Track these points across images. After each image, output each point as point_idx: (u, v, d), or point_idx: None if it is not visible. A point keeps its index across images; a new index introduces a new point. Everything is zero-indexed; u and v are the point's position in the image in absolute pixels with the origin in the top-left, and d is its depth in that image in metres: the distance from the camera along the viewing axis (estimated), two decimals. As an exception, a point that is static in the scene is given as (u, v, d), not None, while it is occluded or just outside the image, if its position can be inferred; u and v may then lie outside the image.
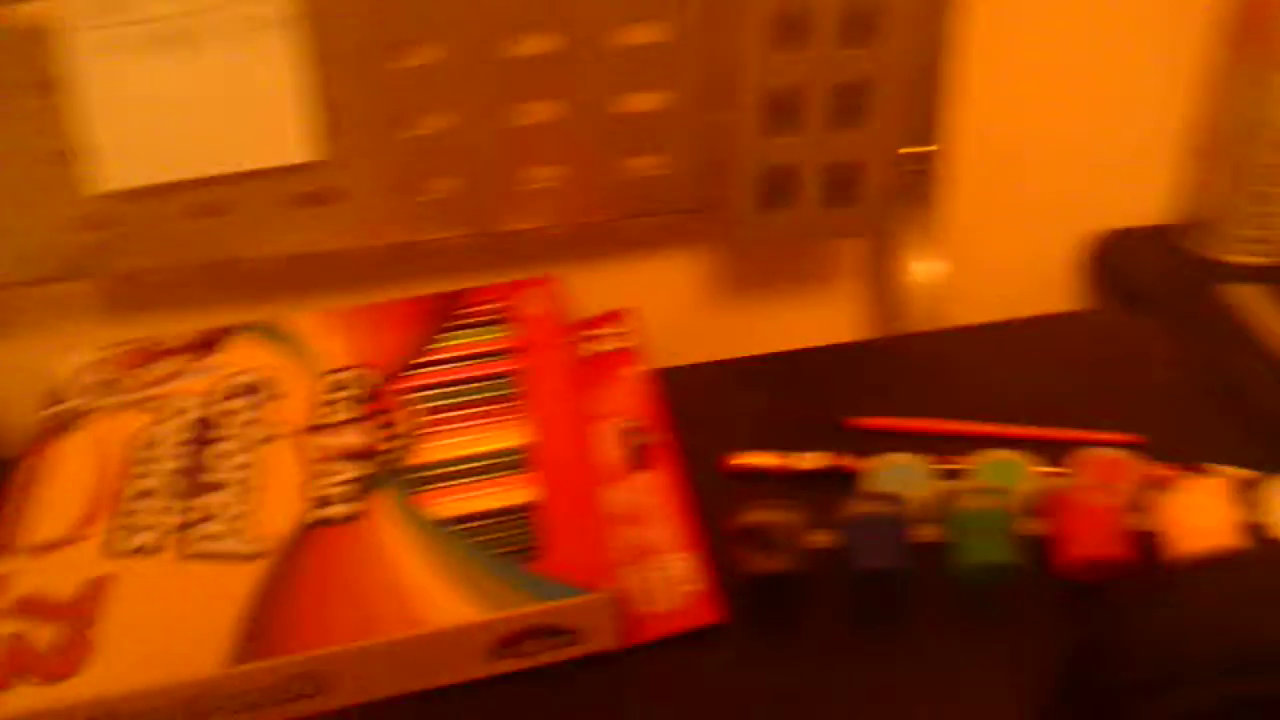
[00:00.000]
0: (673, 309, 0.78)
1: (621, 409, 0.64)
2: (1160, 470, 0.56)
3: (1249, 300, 0.64)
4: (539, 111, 0.65)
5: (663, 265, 0.78)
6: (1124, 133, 0.79)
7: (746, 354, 0.69)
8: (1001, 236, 0.80)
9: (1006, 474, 0.57)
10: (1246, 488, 0.53)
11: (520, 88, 0.64)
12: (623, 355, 0.68)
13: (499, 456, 0.57)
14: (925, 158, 0.71)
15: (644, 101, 0.65)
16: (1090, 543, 0.52)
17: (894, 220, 0.73)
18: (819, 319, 0.80)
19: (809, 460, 0.60)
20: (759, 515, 0.53)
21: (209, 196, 0.66)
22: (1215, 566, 0.41)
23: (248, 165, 0.65)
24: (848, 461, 0.60)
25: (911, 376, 0.67)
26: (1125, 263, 0.79)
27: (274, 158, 0.64)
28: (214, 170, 0.65)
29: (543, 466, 0.56)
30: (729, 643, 0.53)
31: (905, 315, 0.72)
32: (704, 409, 0.65)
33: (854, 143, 0.63)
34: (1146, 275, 0.76)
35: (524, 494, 0.55)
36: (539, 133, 0.65)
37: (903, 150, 0.70)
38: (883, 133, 0.63)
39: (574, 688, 0.51)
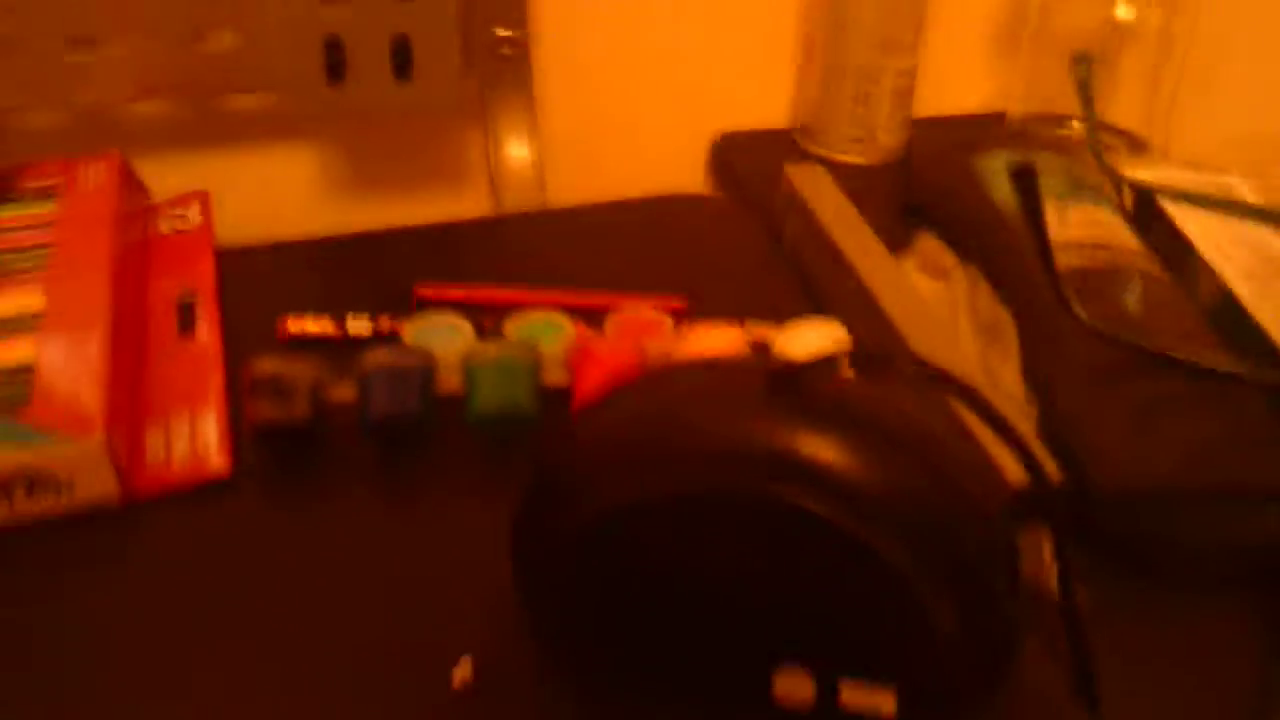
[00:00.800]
0: (281, 193, 0.77)
1: (181, 282, 0.63)
2: (694, 327, 0.58)
3: (808, 180, 0.66)
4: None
5: (273, 149, 0.76)
6: (738, 37, 0.81)
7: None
8: (609, 130, 0.81)
9: (542, 332, 0.57)
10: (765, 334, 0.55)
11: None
12: (195, 234, 0.66)
13: (12, 319, 0.55)
14: (518, 42, 0.71)
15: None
16: (600, 390, 0.52)
17: (491, 104, 0.73)
18: (433, 206, 0.80)
19: (357, 325, 0.60)
20: (270, 365, 0.52)
21: None
22: (639, 385, 0.42)
23: None
24: (396, 325, 0.59)
25: (490, 256, 0.67)
26: (735, 161, 0.80)
27: None
28: None
29: (60, 328, 0.54)
30: (241, 496, 0.52)
31: (503, 198, 0.71)
32: (275, 284, 0.64)
33: (408, 14, 0.62)
34: (750, 172, 0.77)
35: (31, 353, 0.53)
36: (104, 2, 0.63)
37: (500, 33, 0.70)
38: (437, 4, 0.62)
39: (75, 541, 0.50)
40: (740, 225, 0.70)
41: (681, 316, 0.60)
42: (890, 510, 0.37)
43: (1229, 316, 0.57)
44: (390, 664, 0.44)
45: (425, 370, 0.53)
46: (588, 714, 0.43)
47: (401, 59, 0.64)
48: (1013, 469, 0.47)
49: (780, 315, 0.58)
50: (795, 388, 0.39)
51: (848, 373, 0.49)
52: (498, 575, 0.47)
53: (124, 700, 0.43)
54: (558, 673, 0.44)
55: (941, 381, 0.37)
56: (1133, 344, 0.51)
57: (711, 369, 0.41)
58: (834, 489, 0.37)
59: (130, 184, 0.66)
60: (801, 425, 0.38)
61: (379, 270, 0.65)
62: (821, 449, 0.37)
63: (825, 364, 0.38)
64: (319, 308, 0.61)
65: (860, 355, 0.40)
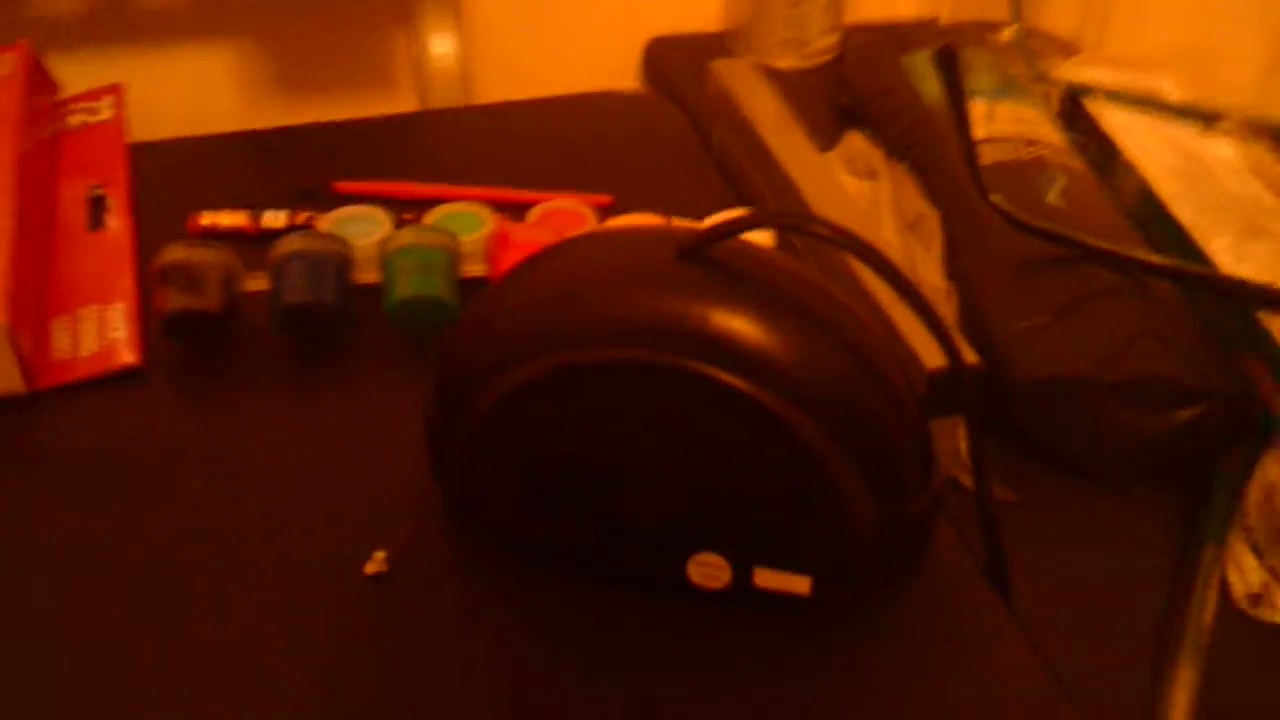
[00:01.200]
0: (201, 92, 0.75)
1: (92, 176, 0.61)
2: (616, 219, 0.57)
3: (736, 76, 0.65)
4: None
5: (192, 47, 0.74)
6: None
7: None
8: (541, 34, 0.79)
9: (461, 223, 0.56)
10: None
11: None
12: (107, 128, 0.64)
13: None
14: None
15: None
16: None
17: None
18: (357, 106, 0.78)
19: (273, 219, 0.58)
20: (178, 253, 0.51)
21: None
22: (542, 258, 0.41)
23: None
24: (311, 219, 0.58)
25: (412, 152, 0.66)
26: (667, 64, 0.79)
27: None
28: None
29: None
30: (150, 388, 0.51)
31: (428, 98, 0.70)
32: (190, 179, 0.63)
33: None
34: (681, 76, 0.76)
35: None
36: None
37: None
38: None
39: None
40: (669, 123, 0.69)
41: (607, 212, 0.59)
42: (804, 385, 0.37)
43: (1151, 214, 0.57)
44: (303, 554, 0.44)
45: (340, 257, 0.52)
46: (501, 601, 0.42)
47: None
48: (930, 357, 0.47)
49: (707, 213, 0.58)
50: (704, 256, 0.38)
51: (766, 242, 0.48)
52: (414, 466, 0.46)
53: (30, 592, 0.42)
54: (472, 559, 0.44)
55: (855, 247, 0.37)
56: (1052, 234, 0.51)
57: (617, 240, 0.40)
58: (745, 360, 0.37)
59: (39, 77, 0.64)
60: (710, 293, 0.37)
61: (297, 166, 0.64)
62: (732, 319, 0.37)
63: (738, 229, 0.38)
64: (235, 203, 0.60)
65: (772, 215, 0.39)
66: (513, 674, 0.40)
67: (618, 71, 0.83)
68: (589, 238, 0.41)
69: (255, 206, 0.59)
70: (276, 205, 0.59)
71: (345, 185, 0.61)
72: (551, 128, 0.68)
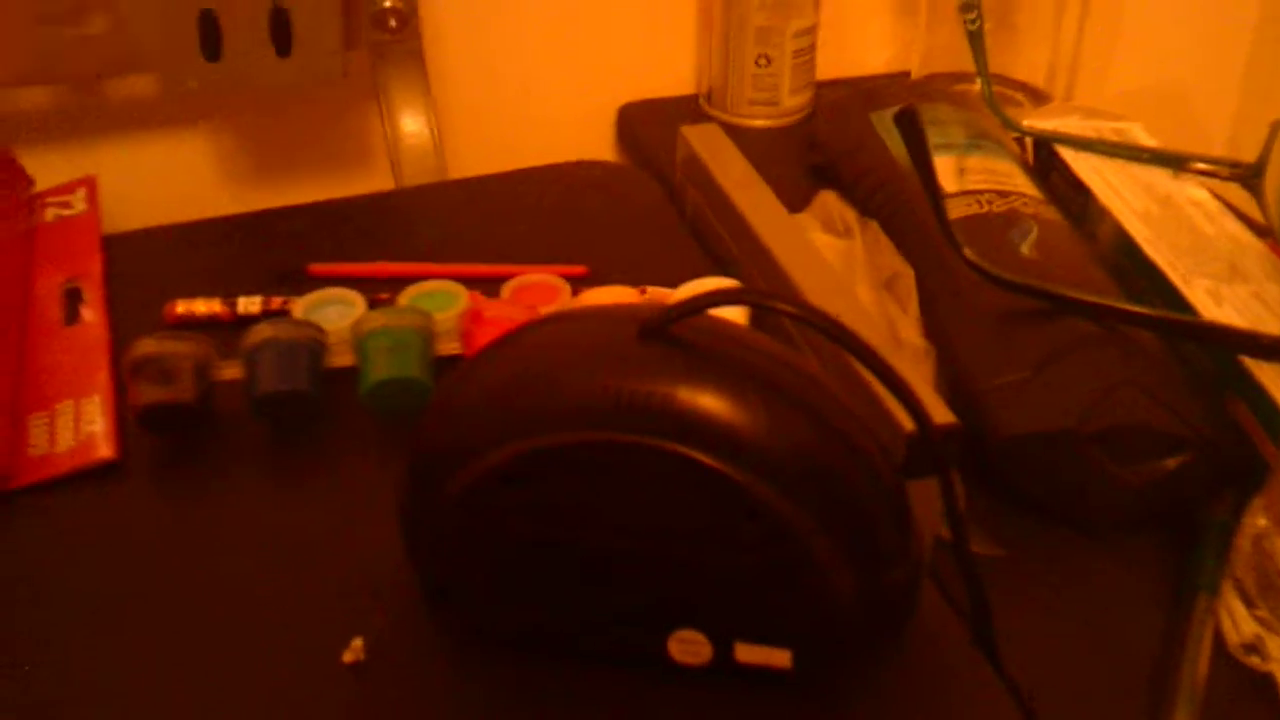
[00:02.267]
0: (174, 181, 0.75)
1: (66, 270, 0.61)
2: (590, 291, 0.57)
3: (705, 139, 0.65)
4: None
5: (163, 136, 0.75)
6: (638, 3, 0.80)
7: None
8: (512, 103, 0.80)
9: (436, 302, 0.56)
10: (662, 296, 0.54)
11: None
12: (81, 221, 0.65)
13: None
14: (403, 13, 0.69)
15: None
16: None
17: (383, 78, 0.71)
18: (333, 188, 0.78)
19: (248, 305, 0.58)
20: (151, 346, 0.51)
21: None
22: (501, 345, 0.41)
23: None
24: (286, 303, 0.58)
25: (387, 231, 0.66)
26: (640, 130, 0.79)
27: None
28: None
29: None
30: (128, 482, 0.50)
31: (403, 175, 0.70)
32: (165, 268, 0.63)
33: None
34: (655, 141, 0.76)
35: None
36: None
37: (384, 3, 0.69)
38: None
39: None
40: (642, 190, 0.69)
41: (581, 283, 0.59)
42: (773, 458, 0.37)
43: (1128, 259, 0.57)
44: (281, 643, 0.43)
45: (314, 343, 0.52)
46: (481, 685, 0.42)
47: (281, 33, 0.62)
48: (908, 420, 0.47)
49: (682, 280, 0.58)
50: (667, 333, 0.38)
51: (734, 318, 0.48)
52: (391, 550, 0.46)
53: (8, 685, 0.41)
54: (451, 645, 0.43)
55: (818, 322, 0.36)
56: (1026, 287, 0.51)
57: (581, 321, 0.40)
58: (712, 436, 0.36)
59: (11, 172, 0.64)
60: (674, 371, 0.37)
61: (272, 250, 0.64)
62: (697, 395, 0.36)
63: (699, 307, 0.37)
64: (211, 290, 0.60)
65: (735, 292, 0.39)
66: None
67: (592, 140, 0.83)
68: (554, 319, 0.41)
69: (231, 292, 0.59)
70: (251, 290, 0.59)
71: (320, 268, 0.61)
72: (526, 199, 0.68)
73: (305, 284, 0.61)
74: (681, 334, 0.38)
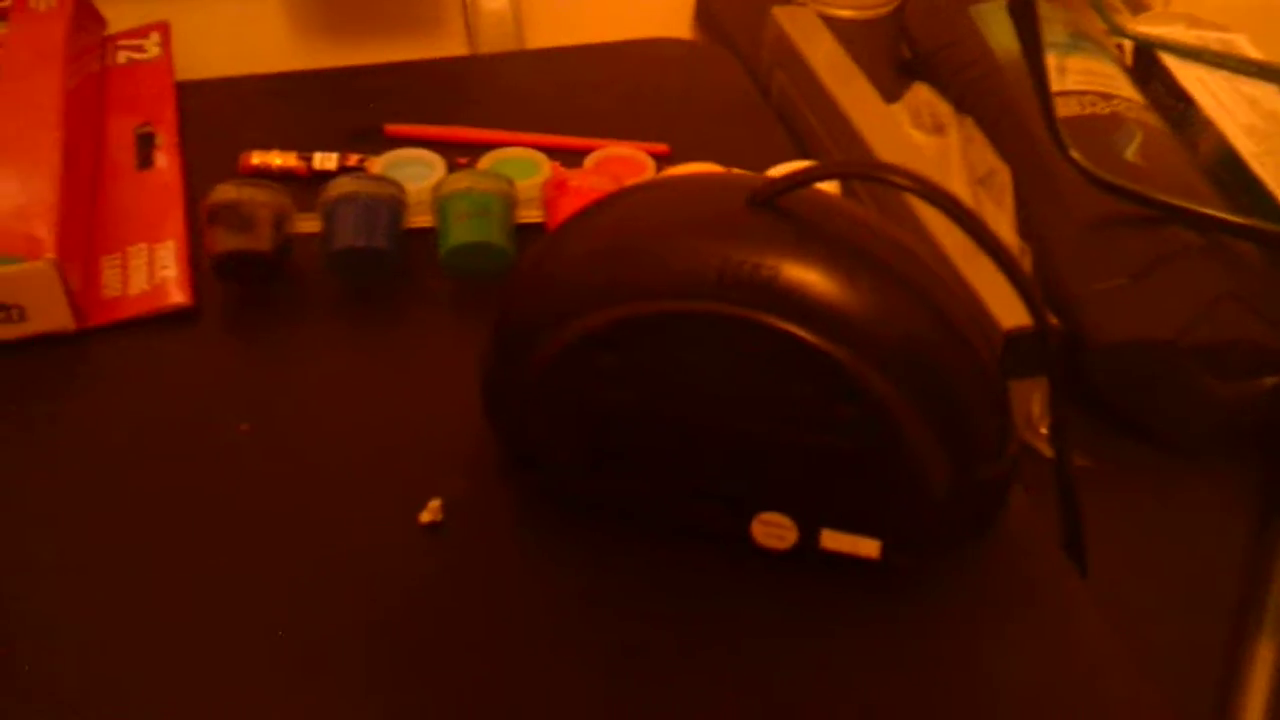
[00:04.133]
0: (247, 36, 0.73)
1: (139, 114, 0.60)
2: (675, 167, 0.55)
3: (797, 23, 0.63)
4: None
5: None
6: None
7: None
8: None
9: (516, 169, 0.55)
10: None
11: None
12: (154, 66, 0.63)
13: None
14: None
15: None
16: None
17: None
18: (406, 53, 0.76)
19: (324, 160, 0.57)
20: (230, 192, 0.49)
21: None
22: (594, 211, 0.40)
23: None
24: (363, 160, 0.56)
25: (463, 97, 0.64)
26: (721, 12, 0.77)
27: None
28: None
29: (9, 159, 0.51)
30: (201, 328, 0.50)
31: (478, 44, 0.68)
32: (238, 119, 0.62)
33: None
34: (737, 24, 0.74)
35: None
36: None
37: None
38: None
39: (29, 369, 0.48)
40: (723, 70, 0.67)
41: (664, 161, 0.57)
42: (881, 342, 0.35)
43: (1229, 172, 0.55)
44: (355, 500, 0.43)
45: (394, 201, 0.50)
46: (556, 553, 0.41)
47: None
48: (1006, 316, 0.45)
49: (767, 163, 0.56)
50: (776, 206, 0.36)
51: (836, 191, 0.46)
52: (467, 413, 0.45)
53: (77, 530, 0.41)
54: (528, 511, 0.42)
55: (938, 198, 0.35)
56: (1131, 192, 0.49)
57: (684, 187, 0.39)
58: (819, 314, 0.35)
59: (85, 11, 0.63)
60: (784, 244, 0.35)
61: (347, 108, 0.62)
62: (806, 271, 0.35)
63: (815, 177, 0.36)
64: (284, 144, 0.58)
65: (849, 164, 0.37)
66: (567, 626, 0.39)
67: (671, 18, 0.81)
68: (653, 185, 0.40)
69: (305, 148, 0.57)
70: (326, 147, 0.58)
71: (397, 128, 0.60)
72: (604, 74, 0.66)
73: (381, 144, 0.59)
74: (790, 206, 0.37)
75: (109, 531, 0.41)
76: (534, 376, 0.39)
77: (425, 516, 0.42)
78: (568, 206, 0.51)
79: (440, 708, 0.36)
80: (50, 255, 0.47)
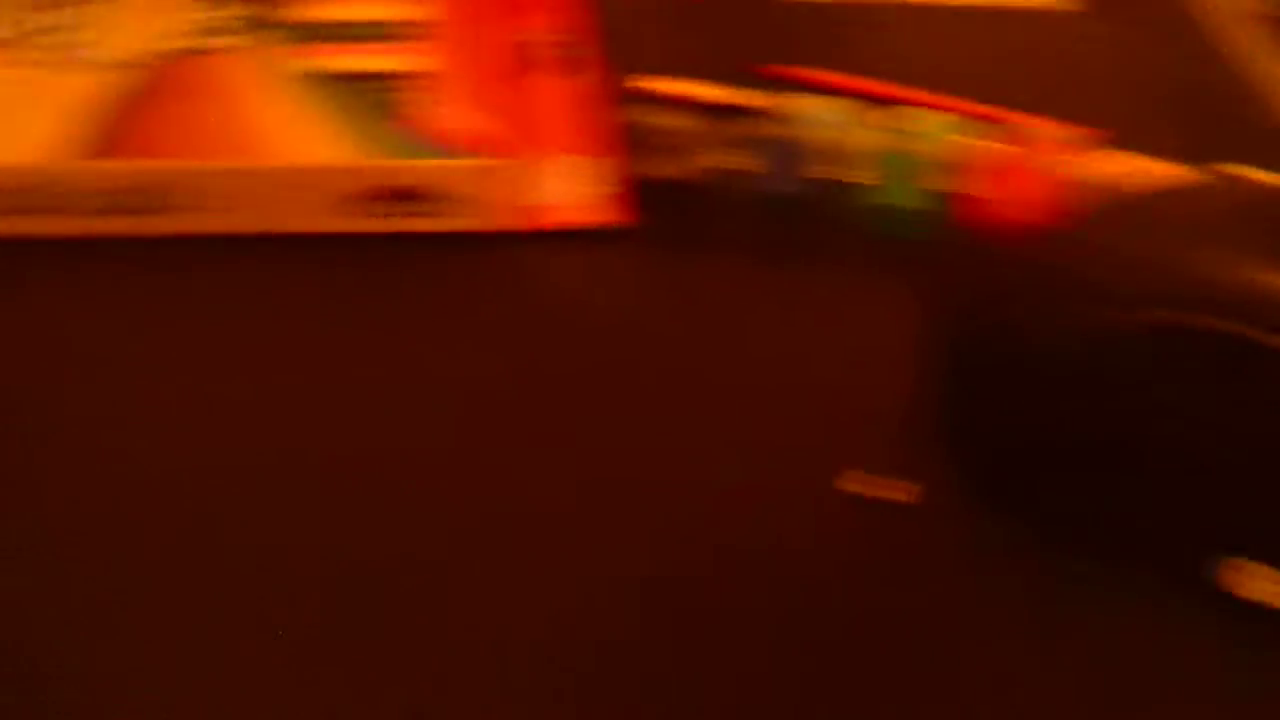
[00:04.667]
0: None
1: (552, 22, 0.59)
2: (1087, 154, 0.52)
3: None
4: None
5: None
6: None
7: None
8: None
9: (934, 129, 0.52)
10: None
11: None
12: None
13: (388, 25, 0.54)
14: None
15: None
16: (1014, 204, 0.48)
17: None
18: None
19: (724, 93, 0.55)
20: (664, 119, 0.49)
21: None
22: (1114, 209, 0.37)
23: None
24: (767, 101, 0.55)
25: (859, 41, 0.62)
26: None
27: None
28: None
29: (443, 42, 0.53)
30: (629, 245, 0.49)
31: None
32: (636, 39, 0.60)
33: None
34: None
35: (411, 62, 0.52)
36: None
37: None
38: None
39: (463, 260, 0.48)
40: (1114, 44, 0.63)
41: (1092, 147, 0.54)
42: None
43: None
44: (762, 448, 0.42)
45: (821, 150, 0.49)
46: (1000, 556, 0.39)
47: None
48: None
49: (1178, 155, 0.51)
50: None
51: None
52: (886, 380, 0.43)
53: (460, 422, 0.42)
54: (948, 497, 0.40)
55: None
56: None
57: (1221, 194, 0.36)
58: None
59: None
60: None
61: (753, 46, 0.61)
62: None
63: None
64: (693, 75, 0.57)
65: None
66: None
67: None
68: (1156, 196, 0.37)
69: (715, 81, 0.56)
70: (736, 83, 0.56)
71: (806, 73, 0.58)
72: (1014, 40, 0.63)
73: (787, 88, 0.57)
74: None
75: (497, 424, 0.42)
76: (1015, 371, 0.36)
77: (851, 485, 0.40)
78: (1002, 185, 0.48)
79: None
80: (486, 158, 0.47)
